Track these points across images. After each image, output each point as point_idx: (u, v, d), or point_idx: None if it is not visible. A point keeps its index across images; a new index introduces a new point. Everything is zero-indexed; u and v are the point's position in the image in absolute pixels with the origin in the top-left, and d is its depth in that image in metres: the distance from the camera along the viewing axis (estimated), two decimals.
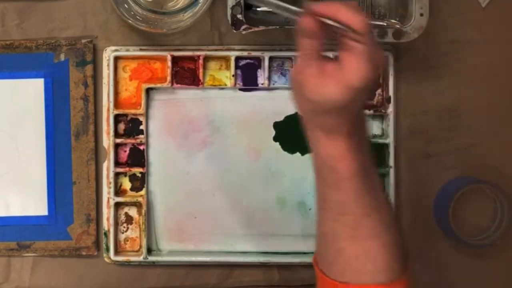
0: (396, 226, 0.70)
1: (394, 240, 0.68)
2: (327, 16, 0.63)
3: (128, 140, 0.87)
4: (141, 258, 0.86)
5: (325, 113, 0.65)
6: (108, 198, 0.86)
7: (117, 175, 0.87)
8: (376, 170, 0.69)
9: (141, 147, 0.87)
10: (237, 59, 0.86)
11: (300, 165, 0.87)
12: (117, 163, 0.87)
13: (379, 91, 0.87)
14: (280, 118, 0.88)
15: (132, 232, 0.88)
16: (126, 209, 0.88)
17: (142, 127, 0.87)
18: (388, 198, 0.74)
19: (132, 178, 0.87)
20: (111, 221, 0.86)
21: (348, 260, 0.68)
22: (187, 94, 0.87)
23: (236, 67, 0.86)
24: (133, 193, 0.87)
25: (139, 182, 0.87)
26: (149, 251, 0.87)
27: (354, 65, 0.62)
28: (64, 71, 0.87)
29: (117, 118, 0.87)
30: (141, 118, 0.87)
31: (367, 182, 0.67)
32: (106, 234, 0.87)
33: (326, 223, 0.69)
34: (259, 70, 0.87)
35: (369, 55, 0.62)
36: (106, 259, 0.87)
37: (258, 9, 0.83)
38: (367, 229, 0.67)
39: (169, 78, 0.86)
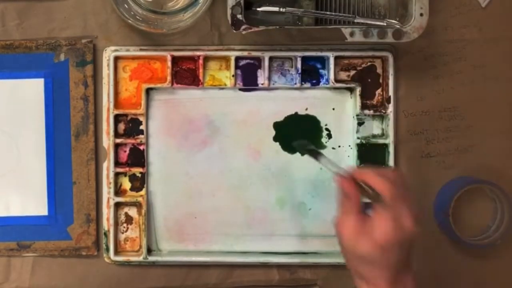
0: None
1: None
2: (360, 180, 0.73)
3: (128, 140, 0.87)
4: (141, 258, 0.86)
5: (361, 263, 0.71)
6: (108, 198, 0.86)
7: (117, 175, 0.87)
8: None
9: (141, 147, 0.87)
10: (237, 59, 0.86)
11: (300, 165, 0.87)
12: (117, 163, 0.87)
13: (379, 91, 0.88)
14: (280, 118, 0.88)
15: (132, 232, 0.88)
16: (126, 209, 0.88)
17: (142, 127, 0.87)
18: None
19: (132, 178, 0.87)
20: (111, 221, 0.86)
21: None
22: (187, 94, 0.87)
23: (236, 67, 0.86)
24: (133, 193, 0.87)
25: (139, 182, 0.87)
26: (149, 251, 0.87)
27: (380, 226, 0.70)
28: (64, 71, 0.87)
29: (117, 118, 0.87)
30: (141, 118, 0.87)
31: None
32: (106, 234, 0.87)
33: None
34: (259, 70, 0.87)
35: (394, 219, 0.69)
36: (106, 259, 0.87)
37: (258, 9, 0.83)
38: None
39: (169, 78, 0.86)
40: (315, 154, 0.82)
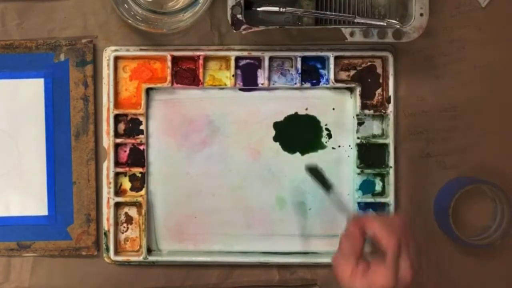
0: None
1: None
2: (368, 227, 0.73)
3: (128, 140, 0.87)
4: (141, 258, 0.86)
5: None
6: (108, 198, 0.86)
7: (117, 175, 0.87)
8: None
9: (141, 147, 0.87)
10: (237, 59, 0.86)
11: (300, 165, 0.87)
12: (117, 163, 0.87)
13: (379, 91, 0.88)
14: (280, 118, 0.88)
15: (132, 232, 0.88)
16: (126, 209, 0.88)
17: (142, 127, 0.87)
18: None
19: (132, 178, 0.87)
20: (111, 221, 0.86)
21: None
22: (187, 94, 0.87)
23: (236, 67, 0.86)
24: (133, 193, 0.87)
25: (139, 182, 0.87)
26: (149, 251, 0.87)
27: (380, 279, 0.71)
28: (64, 71, 0.87)
29: (117, 118, 0.87)
30: (141, 118, 0.87)
31: None
32: (106, 234, 0.87)
33: None
34: (259, 70, 0.87)
35: (393, 274, 0.71)
36: (106, 259, 0.87)
37: (258, 9, 0.83)
38: None
39: (169, 78, 0.86)
40: (327, 186, 0.81)
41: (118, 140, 0.86)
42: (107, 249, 0.87)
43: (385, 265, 0.71)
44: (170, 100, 0.87)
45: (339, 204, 0.80)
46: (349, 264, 0.73)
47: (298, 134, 0.88)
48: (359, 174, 0.87)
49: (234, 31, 0.81)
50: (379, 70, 0.88)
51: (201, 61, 0.86)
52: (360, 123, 0.87)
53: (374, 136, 0.88)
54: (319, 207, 0.88)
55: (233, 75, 0.86)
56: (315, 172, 0.82)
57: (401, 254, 0.72)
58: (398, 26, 0.82)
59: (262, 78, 0.87)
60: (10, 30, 0.87)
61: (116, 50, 0.87)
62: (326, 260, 0.87)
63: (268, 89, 0.87)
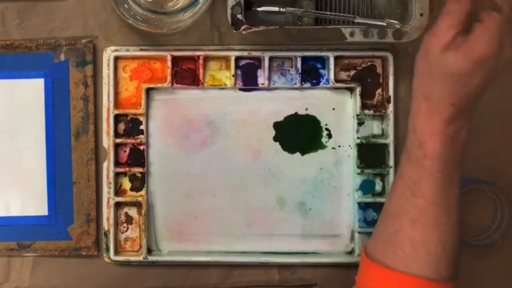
0: (458, 235, 0.70)
1: (453, 243, 0.69)
2: None
3: (128, 140, 0.87)
4: (141, 258, 0.86)
5: (440, 79, 0.67)
6: (108, 198, 0.86)
7: (117, 175, 0.87)
8: (459, 183, 0.70)
9: (141, 147, 0.87)
10: (237, 59, 0.86)
11: (300, 165, 0.87)
12: (117, 163, 0.87)
13: (379, 91, 0.88)
14: (280, 118, 0.88)
15: (132, 232, 0.88)
16: (126, 209, 0.88)
17: (142, 127, 0.87)
18: (460, 210, 0.72)
19: (132, 178, 0.87)
20: (111, 221, 0.86)
21: (403, 243, 0.69)
22: (187, 94, 0.87)
23: (236, 67, 0.86)
24: (133, 193, 0.87)
25: (139, 182, 0.87)
26: (149, 251, 0.87)
27: (483, 37, 0.64)
28: (64, 71, 0.87)
29: (117, 118, 0.87)
30: (141, 118, 0.87)
31: (447, 175, 0.68)
32: (106, 234, 0.87)
33: (394, 201, 0.71)
34: (259, 70, 0.87)
35: (501, 30, 0.64)
36: (106, 259, 0.87)
37: (258, 9, 0.83)
38: (432, 217, 0.69)
39: (169, 78, 0.86)
40: None
41: (118, 140, 0.86)
42: (107, 249, 0.87)
43: (490, 29, 0.64)
44: (170, 100, 0.88)
45: None
46: (446, 34, 0.66)
47: (298, 134, 0.88)
48: (359, 174, 0.87)
49: (234, 31, 0.81)
50: (379, 70, 0.88)
51: (201, 61, 0.86)
52: (360, 123, 0.87)
53: (374, 136, 0.88)
54: (319, 207, 0.88)
55: (233, 75, 0.86)
56: None
57: (508, 28, 0.64)
58: (398, 26, 0.82)
59: (262, 78, 0.87)
60: (10, 30, 0.87)
61: (116, 50, 0.87)
62: (326, 260, 0.87)
63: (268, 89, 0.87)
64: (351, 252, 0.87)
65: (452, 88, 0.67)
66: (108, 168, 0.87)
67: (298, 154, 0.88)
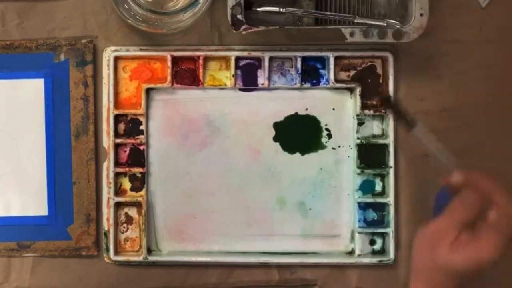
0: None
1: None
2: (482, 185, 0.68)
3: (128, 140, 0.87)
4: (141, 258, 0.86)
5: (441, 273, 0.68)
6: (108, 198, 0.86)
7: (117, 175, 0.87)
8: None
9: (141, 147, 0.87)
10: (237, 59, 0.86)
11: (300, 165, 0.87)
12: (117, 163, 0.87)
13: (379, 91, 0.88)
14: (280, 118, 0.88)
15: (132, 232, 0.88)
16: (126, 209, 0.88)
17: (142, 127, 0.87)
18: None
19: (132, 178, 0.87)
20: (111, 221, 0.86)
21: None
22: (187, 94, 0.87)
23: (236, 67, 0.86)
24: (133, 193, 0.87)
25: (139, 182, 0.87)
26: (149, 251, 0.87)
27: (490, 241, 0.66)
28: (64, 71, 0.87)
29: (117, 118, 0.87)
30: (141, 118, 0.87)
31: None
32: (106, 234, 0.87)
33: None
34: (259, 70, 0.87)
35: (506, 234, 0.66)
36: (106, 259, 0.87)
37: (258, 9, 0.83)
38: None
39: (169, 78, 0.86)
40: (407, 121, 0.74)
41: (118, 140, 0.86)
42: (107, 249, 0.87)
43: (496, 231, 0.65)
44: (170, 100, 0.88)
45: (429, 144, 0.71)
46: (451, 232, 0.67)
47: (298, 134, 0.88)
48: (359, 174, 0.87)
49: (234, 31, 0.81)
50: (379, 70, 0.88)
51: (201, 61, 0.86)
52: (360, 123, 0.87)
53: (374, 136, 0.88)
54: (319, 207, 0.88)
55: (233, 75, 0.86)
56: (391, 105, 0.75)
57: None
58: (398, 26, 0.82)
59: (262, 78, 0.87)
60: (10, 30, 0.87)
61: (116, 50, 0.87)
62: (326, 260, 0.87)
63: (268, 89, 0.87)
64: (351, 252, 0.88)
65: (451, 280, 0.69)
66: (108, 168, 0.87)
67: (298, 154, 0.88)
